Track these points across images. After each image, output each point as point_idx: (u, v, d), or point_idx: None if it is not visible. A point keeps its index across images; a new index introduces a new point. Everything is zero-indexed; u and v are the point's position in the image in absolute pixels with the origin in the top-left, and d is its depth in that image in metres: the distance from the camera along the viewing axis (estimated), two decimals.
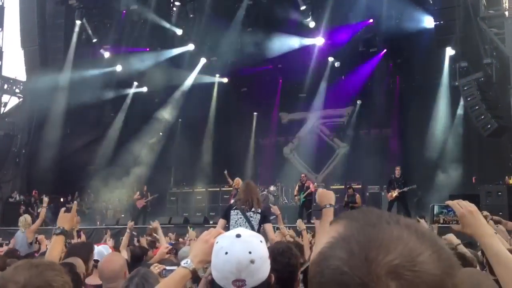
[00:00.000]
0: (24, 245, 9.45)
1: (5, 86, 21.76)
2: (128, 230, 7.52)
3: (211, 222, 14.86)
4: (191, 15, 22.59)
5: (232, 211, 6.84)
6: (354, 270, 0.81)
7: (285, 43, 21.11)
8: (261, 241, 1.98)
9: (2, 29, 21.63)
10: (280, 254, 2.90)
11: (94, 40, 23.13)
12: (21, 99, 22.14)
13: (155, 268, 3.27)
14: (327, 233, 0.90)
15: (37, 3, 21.80)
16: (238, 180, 13.70)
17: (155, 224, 7.67)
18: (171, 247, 6.00)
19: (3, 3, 21.68)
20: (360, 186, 18.60)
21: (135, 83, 24.67)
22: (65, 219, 3.29)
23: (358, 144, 21.04)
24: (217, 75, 24.10)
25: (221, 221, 6.87)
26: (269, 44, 21.04)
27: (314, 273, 0.87)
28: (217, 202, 20.76)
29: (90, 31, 22.84)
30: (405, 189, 15.06)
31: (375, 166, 17.95)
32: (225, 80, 24.25)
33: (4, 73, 21.71)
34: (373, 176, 18.61)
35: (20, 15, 22.10)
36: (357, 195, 16.29)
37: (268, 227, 6.87)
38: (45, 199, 10.22)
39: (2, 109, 21.50)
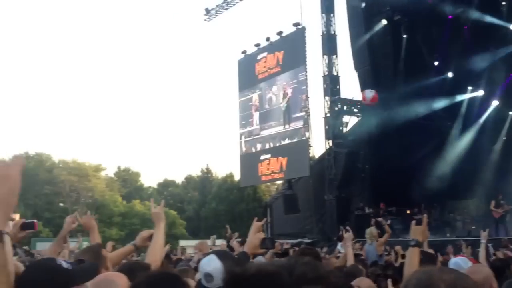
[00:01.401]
0: (374, 257, 9.81)
1: (345, 107, 23.73)
2: (483, 241, 7.03)
3: None
4: None
5: None
6: None
7: None
8: None
9: (337, 56, 23.67)
10: None
11: (423, 51, 23.14)
12: (359, 118, 23.73)
13: None
14: None
15: (365, 26, 23.10)
16: None
17: None
18: None
19: (335, 32, 23.77)
20: None
21: (469, 88, 23.64)
22: (417, 231, 3.42)
23: None
24: None
25: None
26: None
27: None
28: None
29: (417, 42, 22.96)
30: None
31: None
32: None
33: (342, 95, 23.71)
34: None
35: (350, 40, 23.85)
36: None
37: None
38: (380, 220, 10.60)
39: (344, 128, 23.41)
